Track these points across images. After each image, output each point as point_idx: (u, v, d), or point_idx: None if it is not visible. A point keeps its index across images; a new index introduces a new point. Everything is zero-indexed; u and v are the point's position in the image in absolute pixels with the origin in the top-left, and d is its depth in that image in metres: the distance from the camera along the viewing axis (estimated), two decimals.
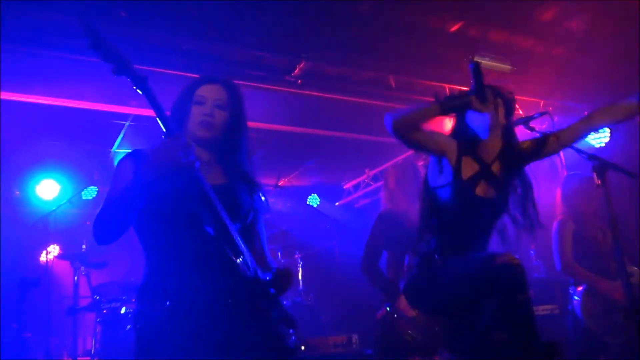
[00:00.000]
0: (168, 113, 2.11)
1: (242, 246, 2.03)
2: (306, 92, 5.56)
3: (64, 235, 6.57)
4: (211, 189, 1.98)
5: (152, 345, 1.98)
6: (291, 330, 2.14)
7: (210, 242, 2.00)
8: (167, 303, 1.97)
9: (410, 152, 7.68)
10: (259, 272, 2.09)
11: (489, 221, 2.82)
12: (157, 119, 1.95)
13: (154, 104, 1.95)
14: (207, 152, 2.22)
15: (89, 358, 5.51)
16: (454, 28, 5.27)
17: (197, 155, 1.97)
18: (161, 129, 2.06)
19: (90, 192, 7.10)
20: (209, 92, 2.21)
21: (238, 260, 2.01)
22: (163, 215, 2.04)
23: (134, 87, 1.94)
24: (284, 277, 2.13)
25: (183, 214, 2.01)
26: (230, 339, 2.00)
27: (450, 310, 2.80)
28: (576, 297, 4.16)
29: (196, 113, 2.17)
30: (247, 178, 2.27)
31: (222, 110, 2.20)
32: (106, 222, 2.00)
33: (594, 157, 3.06)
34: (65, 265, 6.00)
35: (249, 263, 2.05)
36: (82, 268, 5.56)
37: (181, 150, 1.90)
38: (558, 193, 4.49)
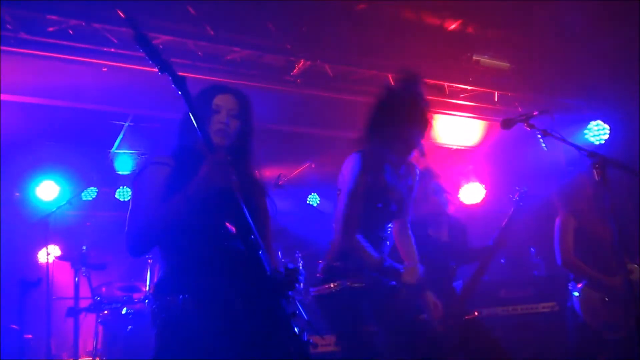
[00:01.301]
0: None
1: (261, 244, 2.10)
2: (305, 91, 5.56)
3: (64, 236, 6.57)
4: (239, 190, 2.04)
5: (173, 337, 2.04)
6: (308, 321, 2.22)
7: (231, 239, 2.07)
8: (187, 296, 2.05)
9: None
10: (273, 269, 2.16)
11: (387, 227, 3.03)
12: (192, 119, 2.02)
13: (190, 105, 2.02)
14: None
15: (90, 358, 5.51)
16: (453, 26, 5.27)
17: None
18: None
19: (90, 193, 7.10)
20: (224, 102, 2.30)
21: (258, 256, 2.07)
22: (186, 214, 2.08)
23: (173, 86, 2.01)
24: (294, 274, 2.19)
25: (205, 212, 2.06)
26: (249, 334, 2.07)
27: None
28: (576, 294, 4.16)
29: (213, 121, 2.26)
30: (254, 181, 2.38)
31: (235, 119, 2.30)
32: (149, 236, 2.08)
33: (593, 153, 3.06)
34: (65, 266, 5.99)
35: (266, 260, 2.12)
36: (83, 269, 5.56)
37: (226, 170, 2.00)
38: (555, 189, 4.50)
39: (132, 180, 2.22)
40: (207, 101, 2.28)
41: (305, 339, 2.21)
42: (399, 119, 2.92)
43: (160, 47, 4.75)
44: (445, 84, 6.01)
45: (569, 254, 4.20)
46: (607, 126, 6.17)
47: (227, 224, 2.07)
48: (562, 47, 5.66)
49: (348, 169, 2.92)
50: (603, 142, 6.15)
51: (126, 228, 2.09)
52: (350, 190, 2.85)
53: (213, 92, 2.31)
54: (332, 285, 2.88)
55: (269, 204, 2.42)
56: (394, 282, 2.91)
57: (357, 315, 2.84)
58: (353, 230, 2.82)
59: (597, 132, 6.19)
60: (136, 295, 5.60)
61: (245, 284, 2.08)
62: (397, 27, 5.14)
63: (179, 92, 2.00)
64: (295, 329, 2.17)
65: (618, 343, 3.90)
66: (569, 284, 4.29)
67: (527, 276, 6.18)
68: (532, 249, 6.42)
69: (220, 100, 2.29)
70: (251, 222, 2.07)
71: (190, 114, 2.03)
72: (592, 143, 6.15)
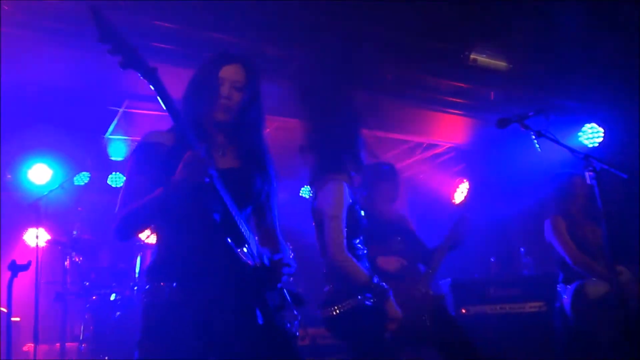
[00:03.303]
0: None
1: (247, 234, 2.09)
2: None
3: (55, 220, 6.54)
4: (220, 179, 2.00)
5: (156, 323, 2.05)
6: (296, 315, 2.21)
7: (214, 231, 2.06)
8: (174, 284, 2.05)
9: (405, 147, 7.69)
10: (265, 259, 2.15)
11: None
12: (167, 111, 1.93)
13: (163, 96, 1.91)
14: (222, 134, 2.26)
15: (77, 343, 5.51)
16: (451, 24, 5.25)
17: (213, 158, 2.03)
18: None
19: (83, 178, 7.06)
20: (228, 73, 2.21)
21: (242, 250, 2.06)
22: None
23: (142, 78, 1.88)
24: (277, 268, 2.18)
25: (192, 202, 2.04)
26: (229, 325, 2.07)
27: None
28: (565, 296, 4.18)
29: (215, 95, 2.19)
30: (259, 158, 2.31)
31: (239, 92, 2.22)
32: (134, 224, 2.09)
33: (587, 156, 3.08)
34: (55, 251, 5.97)
35: (254, 251, 2.11)
36: (73, 253, 5.54)
37: (204, 167, 1.92)
38: (549, 191, 4.52)
39: (128, 158, 2.20)
40: (214, 73, 2.20)
41: (293, 332, 2.22)
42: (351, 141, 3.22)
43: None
44: (442, 81, 6.01)
45: (577, 252, 4.19)
46: (601, 129, 6.18)
47: (214, 215, 2.06)
48: (560, 49, 5.66)
49: (335, 194, 3.04)
50: (597, 144, 6.16)
51: (115, 210, 2.11)
52: (341, 213, 3.00)
53: (220, 63, 2.22)
54: (339, 306, 3.02)
55: (272, 181, 2.36)
56: (369, 303, 3.01)
57: (371, 331, 2.99)
58: (345, 250, 2.98)
59: (591, 134, 6.21)
60: (126, 282, 5.58)
61: (227, 277, 2.08)
62: (395, 23, 5.12)
63: (151, 87, 1.88)
64: (281, 322, 2.17)
65: (608, 344, 3.92)
66: (558, 285, 4.31)
67: (516, 275, 6.21)
68: (522, 249, 6.46)
69: (225, 72, 2.20)
70: (235, 214, 2.04)
71: (168, 110, 1.93)
72: (586, 145, 6.17)
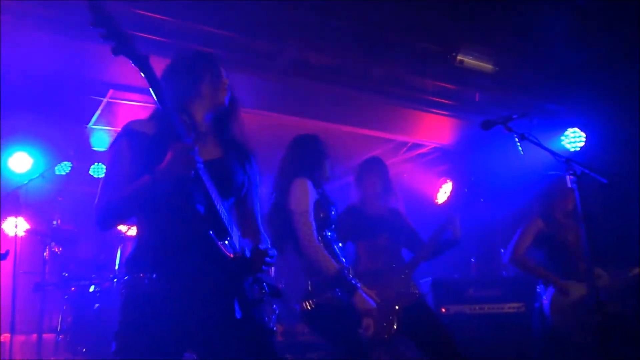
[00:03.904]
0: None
1: (229, 227, 2.10)
2: (289, 80, 5.52)
3: (35, 209, 6.46)
4: (205, 170, 2.01)
5: (134, 314, 2.05)
6: (274, 310, 2.25)
7: (197, 222, 2.06)
8: (153, 276, 2.05)
9: (390, 146, 7.71)
10: (246, 252, 2.16)
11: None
12: (156, 99, 1.94)
13: (154, 84, 1.93)
14: (207, 124, 2.30)
15: (54, 335, 5.46)
16: (438, 25, 5.27)
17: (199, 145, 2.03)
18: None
19: (64, 168, 6.99)
20: (223, 71, 2.36)
21: (224, 242, 2.07)
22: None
23: (134, 65, 1.89)
24: (258, 257, 2.18)
25: (175, 193, 2.04)
26: (208, 318, 2.06)
27: None
28: (544, 297, 4.22)
29: (218, 82, 2.31)
30: (240, 149, 2.37)
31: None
32: (117, 214, 2.10)
33: (568, 160, 3.12)
34: (35, 240, 5.91)
35: (236, 244, 2.12)
36: (52, 244, 5.49)
37: (193, 159, 1.94)
38: (533, 193, 4.57)
39: (109, 147, 2.19)
40: (216, 67, 2.33)
41: (271, 326, 2.22)
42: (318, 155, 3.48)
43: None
44: (428, 81, 6.03)
45: (520, 252, 4.27)
46: (583, 133, 6.25)
47: (196, 206, 2.07)
48: (546, 53, 5.70)
49: (300, 191, 3.22)
50: (578, 149, 6.23)
51: (95, 200, 2.09)
52: (309, 209, 3.17)
53: (219, 61, 2.37)
54: (315, 300, 3.17)
55: (253, 173, 2.40)
56: (345, 297, 3.12)
57: (345, 324, 3.12)
58: (316, 240, 3.14)
59: (573, 139, 6.27)
60: (105, 274, 5.54)
61: (208, 269, 2.08)
62: (383, 23, 5.12)
63: (142, 74, 1.89)
64: (259, 316, 2.17)
65: (585, 346, 3.96)
66: (538, 286, 4.36)
67: (496, 276, 6.27)
68: (502, 250, 6.51)
69: (222, 69, 2.35)
70: (219, 206, 2.06)
71: (158, 99, 1.94)
72: (568, 149, 6.23)
